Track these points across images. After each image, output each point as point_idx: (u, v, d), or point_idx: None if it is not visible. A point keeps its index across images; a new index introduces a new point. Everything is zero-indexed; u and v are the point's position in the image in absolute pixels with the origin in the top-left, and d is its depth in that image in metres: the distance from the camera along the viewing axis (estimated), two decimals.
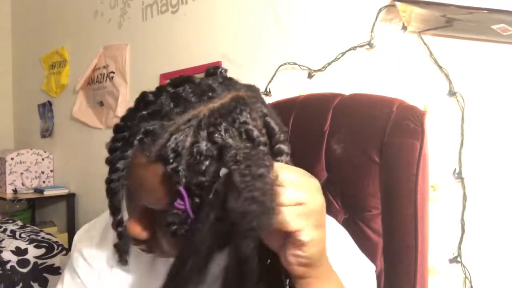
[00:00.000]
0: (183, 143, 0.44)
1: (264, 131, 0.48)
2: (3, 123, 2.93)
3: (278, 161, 0.48)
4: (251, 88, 0.53)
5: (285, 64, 1.32)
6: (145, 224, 0.50)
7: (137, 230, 0.50)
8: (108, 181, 0.48)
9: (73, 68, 2.39)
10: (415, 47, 1.04)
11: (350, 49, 1.16)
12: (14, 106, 2.98)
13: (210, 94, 0.47)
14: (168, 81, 0.53)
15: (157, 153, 0.44)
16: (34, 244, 1.67)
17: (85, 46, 2.26)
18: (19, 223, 1.97)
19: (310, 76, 1.26)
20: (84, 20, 2.25)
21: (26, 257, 1.60)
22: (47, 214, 2.64)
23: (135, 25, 1.94)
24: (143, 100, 0.48)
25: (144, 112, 0.47)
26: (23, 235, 1.75)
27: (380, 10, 1.10)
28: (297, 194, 0.40)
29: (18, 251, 1.60)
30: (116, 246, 0.53)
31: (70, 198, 2.34)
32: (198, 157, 0.43)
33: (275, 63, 1.34)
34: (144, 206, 0.49)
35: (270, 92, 1.36)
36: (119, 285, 0.63)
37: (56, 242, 1.74)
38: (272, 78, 1.35)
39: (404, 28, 1.06)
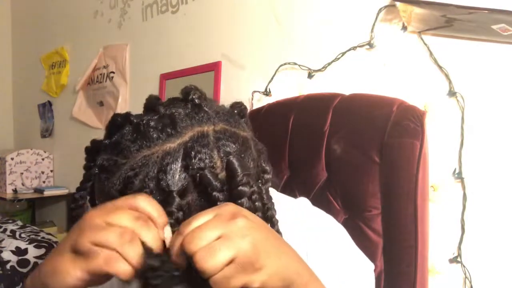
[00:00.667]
0: (131, 185, 0.44)
1: (223, 173, 0.46)
2: (3, 123, 2.93)
3: (238, 204, 0.45)
4: (226, 115, 0.50)
5: (285, 64, 1.32)
6: None
7: None
8: (70, 209, 0.51)
9: (73, 68, 2.39)
10: (415, 47, 1.04)
11: (350, 49, 1.16)
12: (14, 106, 2.98)
13: (169, 131, 0.45)
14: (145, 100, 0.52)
15: (108, 191, 0.45)
16: (34, 244, 1.67)
17: (85, 46, 2.26)
18: (19, 223, 1.97)
19: (310, 76, 1.26)
20: (84, 20, 2.25)
21: (26, 257, 1.60)
22: (47, 214, 2.64)
23: (135, 25, 1.94)
24: (112, 125, 0.49)
25: (107, 142, 0.48)
26: (23, 235, 1.75)
27: (380, 10, 1.10)
28: (222, 256, 0.36)
29: (18, 251, 1.60)
30: None
31: (70, 198, 2.34)
32: None
33: (275, 63, 1.34)
34: None
35: (270, 92, 1.36)
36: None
37: (56, 242, 1.74)
38: (272, 78, 1.35)
39: (404, 28, 1.06)
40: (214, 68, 1.55)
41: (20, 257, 1.58)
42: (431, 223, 0.79)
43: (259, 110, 1.04)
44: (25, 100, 2.82)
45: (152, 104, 0.49)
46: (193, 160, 0.44)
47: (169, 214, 0.42)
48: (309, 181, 0.86)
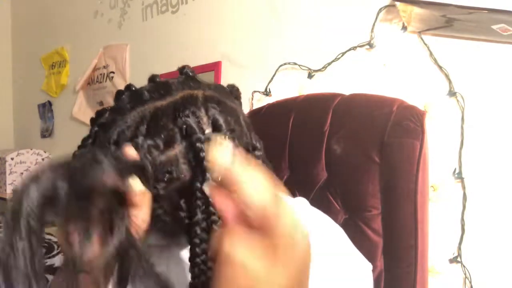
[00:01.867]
0: (124, 136, 0.48)
1: (209, 129, 0.48)
2: (3, 123, 2.93)
3: None
4: (217, 87, 0.54)
5: (285, 64, 1.32)
6: None
7: None
8: None
9: (73, 68, 2.39)
10: (415, 47, 1.04)
11: (350, 49, 1.16)
12: (14, 106, 2.98)
13: (162, 92, 0.50)
14: None
15: (103, 144, 0.49)
16: None
17: (85, 46, 2.26)
18: None
19: (310, 76, 1.26)
20: (84, 20, 2.25)
21: None
22: None
23: (135, 25, 1.94)
24: (115, 96, 0.54)
25: (109, 106, 0.53)
26: None
27: (380, 10, 1.10)
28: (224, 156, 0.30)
29: None
30: None
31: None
32: (135, 150, 0.46)
33: (275, 63, 1.34)
34: None
35: (270, 92, 1.36)
36: None
37: (56, 242, 1.74)
38: (272, 78, 1.35)
39: (404, 28, 1.06)
40: (214, 68, 1.55)
41: None
42: (431, 223, 0.79)
43: (259, 110, 1.04)
44: (25, 100, 2.82)
45: (151, 77, 0.54)
46: (181, 114, 0.48)
47: (148, 152, 0.46)
48: (309, 181, 0.86)
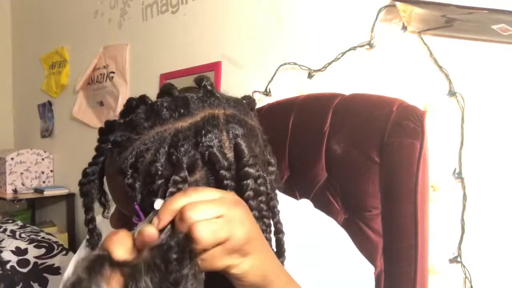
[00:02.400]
0: (142, 159, 0.45)
1: (231, 154, 0.47)
2: (3, 123, 2.93)
3: (243, 185, 0.46)
4: (237, 103, 0.52)
5: (285, 64, 1.32)
6: (121, 222, 0.53)
7: (114, 225, 0.54)
8: (79, 184, 0.52)
9: (73, 68, 2.39)
10: (415, 47, 1.04)
11: (350, 49, 1.16)
12: (14, 106, 2.98)
13: (182, 110, 0.47)
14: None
15: (119, 165, 0.47)
16: (34, 244, 1.67)
17: (85, 46, 2.26)
18: (19, 223, 1.97)
19: (310, 76, 1.26)
20: (84, 20, 2.25)
21: (26, 257, 1.60)
22: (47, 214, 2.64)
23: (135, 25, 1.94)
24: (126, 107, 0.51)
25: (121, 121, 0.49)
26: (23, 235, 1.75)
27: (380, 10, 1.10)
28: (217, 234, 0.36)
29: (18, 251, 1.60)
30: (88, 241, 0.57)
31: (70, 198, 2.34)
32: (153, 176, 0.44)
33: (275, 63, 1.34)
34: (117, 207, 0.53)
35: (270, 92, 1.36)
36: None
37: (56, 242, 1.74)
38: (272, 78, 1.35)
39: (404, 28, 1.06)
40: (214, 68, 1.55)
41: (20, 257, 1.58)
42: (431, 223, 0.79)
43: (259, 110, 1.04)
44: (25, 100, 2.82)
45: (167, 88, 0.51)
46: (203, 138, 0.46)
47: (175, 183, 0.43)
48: (309, 181, 0.86)
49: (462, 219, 0.96)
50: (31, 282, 1.53)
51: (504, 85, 0.92)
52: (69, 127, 2.40)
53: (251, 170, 0.47)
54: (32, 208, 2.60)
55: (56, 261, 1.64)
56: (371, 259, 0.74)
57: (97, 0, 2.15)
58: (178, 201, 0.39)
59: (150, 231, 0.37)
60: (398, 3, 1.03)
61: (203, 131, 0.46)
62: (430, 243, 0.78)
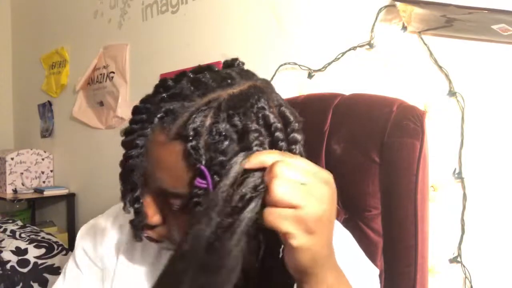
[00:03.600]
0: (203, 123, 0.45)
1: (279, 119, 0.49)
2: (3, 123, 2.93)
3: (292, 150, 0.48)
4: (267, 82, 0.54)
5: (285, 64, 1.32)
6: (158, 208, 0.51)
7: (149, 212, 0.51)
8: (127, 157, 0.49)
9: (73, 68, 2.39)
10: (415, 47, 1.04)
11: (350, 49, 1.16)
12: (14, 106, 2.98)
13: (229, 81, 0.48)
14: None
15: (177, 131, 0.45)
16: (34, 244, 1.67)
17: (85, 46, 2.26)
18: (19, 223, 1.97)
19: (310, 76, 1.26)
20: (84, 20, 2.25)
21: (26, 257, 1.60)
22: (47, 214, 2.64)
23: (135, 25, 1.94)
24: (163, 85, 0.50)
25: (165, 95, 0.48)
26: (23, 235, 1.75)
27: (380, 10, 1.10)
28: (291, 196, 0.37)
29: (18, 251, 1.60)
30: (131, 222, 0.53)
31: (70, 198, 2.34)
32: (217, 137, 0.45)
33: (275, 63, 1.34)
34: (159, 189, 0.49)
35: None
36: (124, 276, 0.63)
37: (56, 242, 1.74)
38: (272, 78, 1.35)
39: (404, 28, 1.06)
40: None
41: (20, 257, 1.58)
42: (431, 223, 0.79)
43: None
44: (25, 100, 2.82)
45: (204, 66, 0.52)
46: (256, 102, 0.47)
47: (246, 147, 0.44)
48: None
49: (462, 219, 0.96)
50: (31, 282, 1.53)
51: (504, 85, 0.92)
52: (69, 127, 2.40)
53: (298, 135, 0.49)
54: (32, 208, 2.60)
55: (56, 261, 1.64)
56: (371, 259, 0.74)
57: (97, 0, 2.15)
58: (272, 155, 0.40)
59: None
60: (398, 3, 1.03)
61: (256, 96, 0.47)
62: (430, 243, 0.78)
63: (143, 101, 0.50)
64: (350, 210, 0.80)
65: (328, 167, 0.84)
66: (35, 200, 2.47)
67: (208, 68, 0.52)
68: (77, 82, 2.26)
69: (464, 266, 0.95)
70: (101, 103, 2.15)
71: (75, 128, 2.32)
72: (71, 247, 2.11)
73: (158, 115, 0.47)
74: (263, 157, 0.40)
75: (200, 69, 0.52)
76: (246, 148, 0.44)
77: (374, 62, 1.12)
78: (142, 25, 1.90)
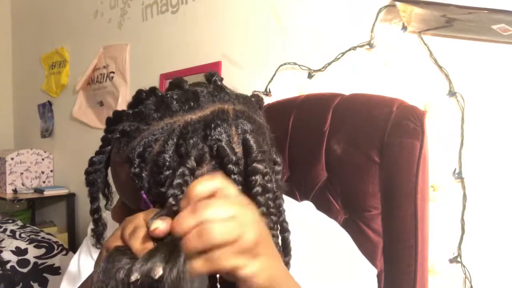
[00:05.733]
0: (150, 150, 0.45)
1: (239, 148, 0.47)
2: (3, 123, 2.93)
3: (251, 181, 0.46)
4: (245, 100, 0.52)
5: (285, 64, 1.32)
6: (124, 213, 0.52)
7: (116, 218, 0.54)
8: (86, 173, 0.53)
9: (73, 68, 2.39)
10: (415, 47, 1.04)
11: (350, 49, 1.16)
12: (14, 106, 2.98)
13: (192, 103, 0.47)
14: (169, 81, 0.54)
15: (126, 154, 0.47)
16: (34, 244, 1.67)
17: (85, 46, 2.26)
18: (19, 223, 1.97)
19: (310, 76, 1.26)
20: (84, 20, 2.25)
21: (26, 257, 1.60)
22: (47, 214, 2.64)
23: (135, 25, 1.94)
24: (135, 98, 0.50)
25: (130, 111, 0.49)
26: (23, 235, 1.75)
27: (380, 10, 1.10)
28: (230, 232, 0.36)
29: (18, 251, 1.60)
30: (93, 230, 0.57)
31: (70, 198, 2.34)
32: (161, 167, 0.44)
33: (275, 63, 1.34)
34: (120, 200, 0.53)
35: (270, 92, 1.36)
36: None
37: (56, 242, 1.74)
38: (272, 78, 1.35)
39: (404, 28, 1.06)
40: (214, 68, 1.55)
41: (20, 257, 1.58)
42: (431, 223, 0.79)
43: None
44: (25, 100, 2.82)
45: (177, 81, 0.51)
46: (212, 132, 0.46)
47: (182, 174, 0.43)
48: (309, 181, 0.86)
49: (462, 219, 0.96)
50: (31, 282, 1.53)
51: (504, 85, 0.92)
52: (69, 127, 2.40)
53: (260, 166, 0.47)
54: (32, 208, 2.60)
55: (56, 261, 1.64)
56: (371, 259, 0.74)
57: (97, 0, 2.15)
58: (198, 190, 0.38)
59: (161, 226, 0.37)
60: (398, 3, 1.03)
61: (213, 125, 0.46)
62: (430, 243, 0.78)
63: (114, 113, 0.51)
64: (350, 210, 0.80)
65: (328, 167, 0.84)
66: (35, 200, 2.47)
67: (180, 85, 0.50)
68: (77, 82, 2.26)
69: (464, 266, 0.95)
70: (101, 103, 2.15)
71: (75, 128, 2.32)
72: (71, 247, 2.11)
73: (115, 136, 0.48)
74: (194, 194, 0.38)
75: (173, 85, 0.51)
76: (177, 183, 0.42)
77: (374, 62, 1.12)
78: (142, 25, 1.90)
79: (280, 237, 0.50)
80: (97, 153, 0.52)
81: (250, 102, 0.52)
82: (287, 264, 0.50)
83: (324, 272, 0.55)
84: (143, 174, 0.45)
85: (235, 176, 0.46)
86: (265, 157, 0.48)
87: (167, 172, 0.44)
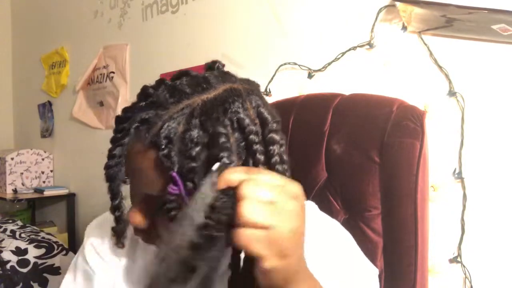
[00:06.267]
0: (175, 130, 0.46)
1: (257, 120, 0.49)
2: (3, 123, 2.93)
3: (270, 150, 0.48)
4: (248, 82, 0.54)
5: (285, 64, 1.32)
6: (145, 213, 0.51)
7: (137, 219, 0.51)
8: (106, 167, 0.51)
9: (73, 68, 2.39)
10: (415, 47, 1.04)
11: (350, 49, 1.16)
12: (14, 106, 2.98)
13: (204, 85, 0.49)
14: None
15: (150, 140, 0.46)
16: (34, 244, 1.67)
17: (85, 46, 2.26)
18: (19, 223, 1.97)
19: (310, 76, 1.26)
20: (84, 20, 2.25)
21: (26, 257, 1.59)
22: (47, 214, 2.64)
23: (135, 25, 1.94)
24: (143, 93, 0.51)
25: (142, 103, 0.49)
26: (23, 235, 1.75)
27: (380, 10, 1.10)
28: (261, 216, 0.36)
29: (18, 251, 1.60)
30: (113, 229, 0.55)
31: (70, 198, 2.34)
32: (189, 144, 0.45)
33: (275, 63, 1.34)
34: (144, 194, 0.50)
35: (270, 92, 1.36)
36: (127, 274, 0.64)
37: (56, 242, 1.74)
38: (272, 78, 1.35)
39: (404, 28, 1.06)
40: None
41: (20, 257, 1.58)
42: (431, 223, 0.79)
43: None
44: (25, 100, 2.82)
45: (182, 71, 0.53)
46: (230, 106, 0.47)
47: (217, 151, 0.44)
48: (309, 181, 0.86)
49: (462, 219, 0.96)
50: (31, 282, 1.53)
51: (504, 85, 0.92)
52: (69, 127, 2.39)
53: (276, 136, 0.49)
54: (32, 208, 2.60)
55: (56, 261, 1.64)
56: (371, 259, 0.74)
57: (97, 0, 2.15)
58: (237, 174, 0.39)
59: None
60: (398, 3, 1.03)
61: (230, 100, 0.48)
62: (430, 243, 0.78)
63: (124, 110, 0.51)
64: (350, 210, 0.80)
65: (328, 167, 0.84)
66: (35, 200, 2.47)
67: (186, 73, 0.52)
68: (77, 82, 2.26)
69: (464, 266, 0.95)
70: (101, 103, 2.15)
71: (75, 128, 2.32)
72: (71, 247, 2.11)
73: (134, 125, 0.48)
74: (228, 177, 0.40)
75: (178, 75, 0.52)
76: (215, 154, 0.44)
77: (374, 62, 1.12)
78: (142, 25, 1.90)
79: None
80: (116, 145, 0.50)
81: (253, 83, 0.54)
82: None
83: (325, 273, 0.55)
84: (172, 154, 0.45)
85: (257, 146, 0.47)
86: (279, 128, 0.50)
87: (197, 148, 0.45)
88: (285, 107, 0.97)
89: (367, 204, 0.78)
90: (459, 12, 0.91)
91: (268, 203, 0.37)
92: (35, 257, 1.61)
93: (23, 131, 2.88)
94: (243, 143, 0.47)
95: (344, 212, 0.81)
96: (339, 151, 0.82)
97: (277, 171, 0.47)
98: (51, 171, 2.52)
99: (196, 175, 0.44)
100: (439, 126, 0.99)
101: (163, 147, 0.45)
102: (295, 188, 0.40)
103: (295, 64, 1.29)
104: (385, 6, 1.09)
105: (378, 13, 1.10)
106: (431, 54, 1.02)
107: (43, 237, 1.76)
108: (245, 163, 0.48)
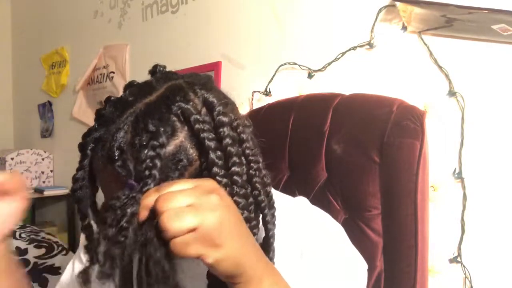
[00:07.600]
0: (124, 139, 0.47)
1: (203, 109, 0.49)
2: (3, 123, 2.93)
3: (220, 133, 0.48)
4: (193, 75, 0.55)
5: (285, 64, 1.32)
6: None
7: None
8: (71, 191, 0.53)
9: (73, 68, 2.39)
10: (415, 47, 1.04)
11: (350, 49, 1.16)
12: (14, 106, 2.98)
13: (147, 90, 0.50)
14: None
15: (105, 155, 0.48)
16: (34, 244, 1.67)
17: (85, 46, 2.26)
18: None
19: (310, 76, 1.26)
20: (84, 20, 2.25)
21: (26, 257, 1.59)
22: (47, 214, 2.64)
23: (135, 25, 1.94)
24: (96, 115, 0.52)
25: (96, 124, 0.51)
26: (23, 235, 1.75)
27: (380, 10, 1.10)
28: (184, 222, 0.37)
29: (18, 251, 1.60)
30: (85, 247, 0.56)
31: (70, 198, 2.34)
32: (140, 149, 0.46)
33: (275, 63, 1.34)
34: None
35: (270, 92, 1.36)
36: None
37: (56, 242, 1.74)
38: (272, 78, 1.35)
39: (404, 28, 1.06)
40: (214, 68, 1.55)
41: (20, 257, 1.58)
42: (431, 223, 0.79)
43: (259, 110, 1.04)
44: (25, 100, 2.82)
45: (127, 84, 0.55)
46: (173, 101, 0.48)
47: (152, 147, 0.45)
48: (309, 181, 0.86)
49: (462, 219, 0.96)
50: (31, 282, 1.53)
51: (504, 85, 0.92)
52: (69, 127, 2.40)
53: (224, 118, 0.48)
54: (32, 208, 2.60)
55: (56, 261, 1.64)
56: (371, 259, 0.74)
57: (97, 0, 2.15)
58: (149, 198, 0.40)
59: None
60: (398, 3, 1.03)
61: (171, 96, 0.49)
62: (430, 243, 0.78)
63: (82, 136, 0.53)
64: (350, 210, 0.80)
65: (328, 167, 0.84)
66: (35, 200, 2.47)
67: (130, 84, 0.54)
68: (77, 82, 2.26)
69: (464, 266, 0.95)
70: (101, 103, 2.14)
71: (75, 128, 2.32)
72: (71, 247, 2.11)
73: (89, 147, 0.50)
74: (144, 204, 0.41)
75: (124, 88, 0.54)
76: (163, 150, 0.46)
77: (374, 62, 1.12)
78: (142, 25, 1.90)
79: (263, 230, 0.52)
80: (77, 169, 0.52)
81: (200, 76, 0.55)
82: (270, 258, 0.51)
83: (315, 265, 0.55)
84: (127, 163, 0.46)
85: (205, 134, 0.47)
86: (227, 110, 0.50)
87: (145, 150, 0.46)
88: (285, 107, 0.97)
89: (367, 204, 0.78)
90: (459, 12, 0.91)
91: (187, 206, 0.38)
92: (35, 257, 1.61)
93: (23, 131, 2.88)
94: (189, 134, 0.48)
95: (344, 212, 0.81)
96: (339, 151, 0.82)
97: (229, 152, 0.47)
98: (51, 171, 2.53)
99: (154, 178, 0.44)
100: (439, 126, 0.99)
101: (116, 158, 0.46)
102: (208, 183, 0.42)
103: (295, 64, 1.29)
104: (385, 6, 1.09)
105: (378, 13, 1.10)
106: (431, 54, 1.02)
107: (43, 237, 1.76)
108: (201, 153, 0.48)
